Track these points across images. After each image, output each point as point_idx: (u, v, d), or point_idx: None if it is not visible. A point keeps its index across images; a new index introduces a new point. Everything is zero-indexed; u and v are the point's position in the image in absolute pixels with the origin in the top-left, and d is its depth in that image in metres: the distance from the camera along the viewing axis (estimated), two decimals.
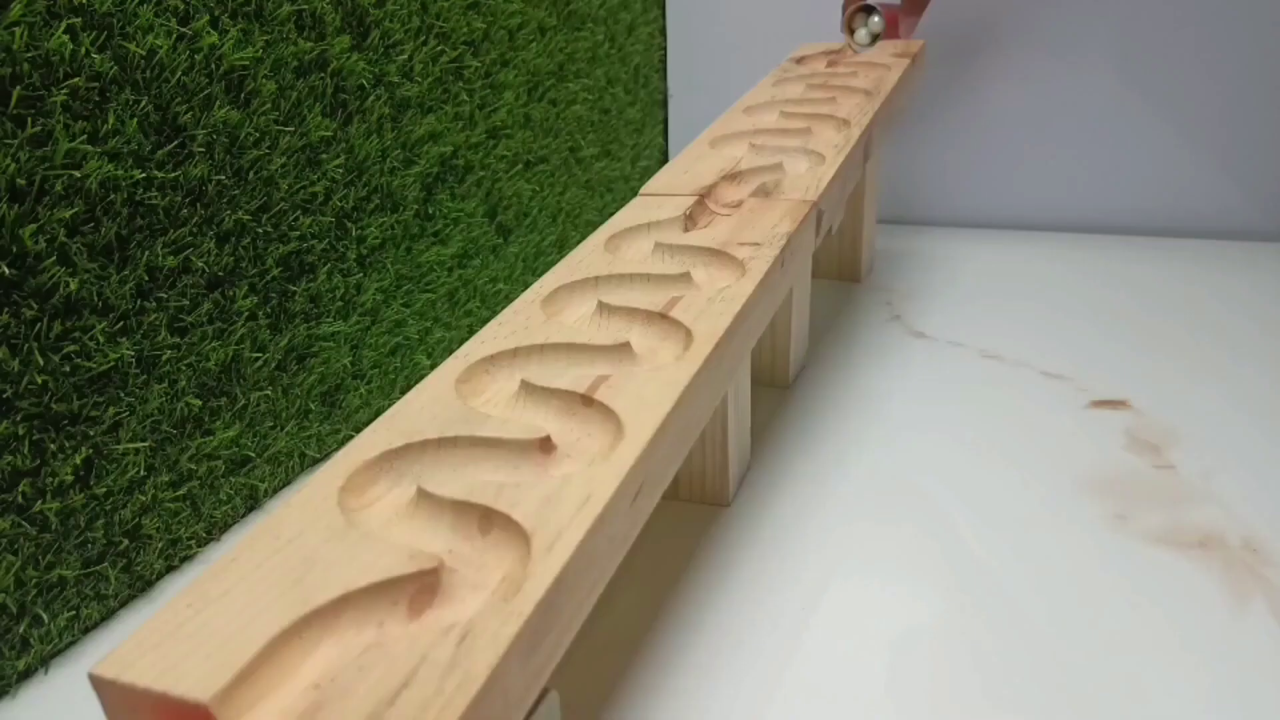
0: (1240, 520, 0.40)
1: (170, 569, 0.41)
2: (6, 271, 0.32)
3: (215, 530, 0.43)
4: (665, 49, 0.86)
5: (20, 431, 0.33)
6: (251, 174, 0.41)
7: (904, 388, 0.53)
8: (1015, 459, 0.46)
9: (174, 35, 0.37)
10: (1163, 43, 0.72)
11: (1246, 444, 0.46)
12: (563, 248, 0.69)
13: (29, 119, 0.32)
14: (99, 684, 0.21)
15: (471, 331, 0.59)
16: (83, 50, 0.33)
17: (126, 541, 0.38)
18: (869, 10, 0.70)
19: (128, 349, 0.37)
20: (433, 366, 0.55)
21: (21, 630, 0.35)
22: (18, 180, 0.32)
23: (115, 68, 0.35)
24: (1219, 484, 0.43)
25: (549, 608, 0.23)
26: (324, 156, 0.45)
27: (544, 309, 0.37)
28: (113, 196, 0.35)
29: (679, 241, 0.43)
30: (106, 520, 0.37)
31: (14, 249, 0.32)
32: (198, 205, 0.39)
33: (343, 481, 0.27)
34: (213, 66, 0.39)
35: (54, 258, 0.33)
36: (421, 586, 0.24)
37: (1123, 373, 0.53)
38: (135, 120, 0.35)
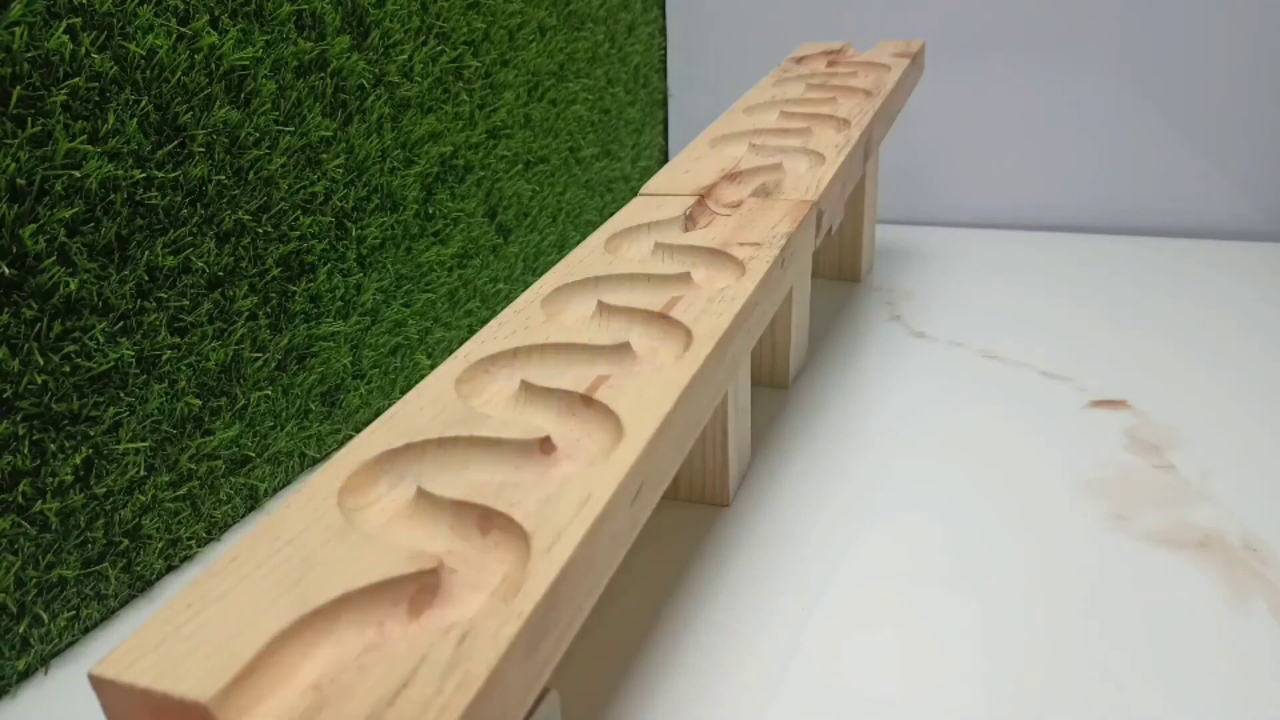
0: (1240, 520, 0.40)
1: (170, 569, 0.41)
2: (6, 271, 0.32)
3: (215, 530, 0.43)
4: (665, 49, 0.86)
5: (20, 431, 0.33)
6: (251, 174, 0.41)
7: (904, 388, 0.53)
8: (1015, 459, 0.46)
9: (174, 35, 0.37)
10: (1162, 43, 0.72)
11: (1246, 444, 0.46)
12: (563, 248, 0.69)
13: (29, 119, 0.32)
14: (99, 684, 0.21)
15: (471, 331, 0.59)
16: (83, 50, 0.33)
17: (126, 541, 0.38)
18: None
19: (128, 349, 0.37)
20: (433, 366, 0.55)
21: (21, 630, 0.35)
22: (18, 180, 0.32)
23: (115, 68, 0.35)
24: (1219, 484, 0.43)
25: (549, 608, 0.23)
26: (324, 156, 0.45)
27: (544, 309, 0.37)
28: (113, 196, 0.35)
29: (679, 241, 0.43)
30: (106, 520, 0.37)
31: (14, 249, 0.32)
32: (198, 205, 0.39)
33: (343, 481, 0.27)
34: (213, 66, 0.39)
35: (54, 258, 0.33)
36: (421, 586, 0.24)
37: (1123, 373, 0.53)
38: (135, 120, 0.35)
